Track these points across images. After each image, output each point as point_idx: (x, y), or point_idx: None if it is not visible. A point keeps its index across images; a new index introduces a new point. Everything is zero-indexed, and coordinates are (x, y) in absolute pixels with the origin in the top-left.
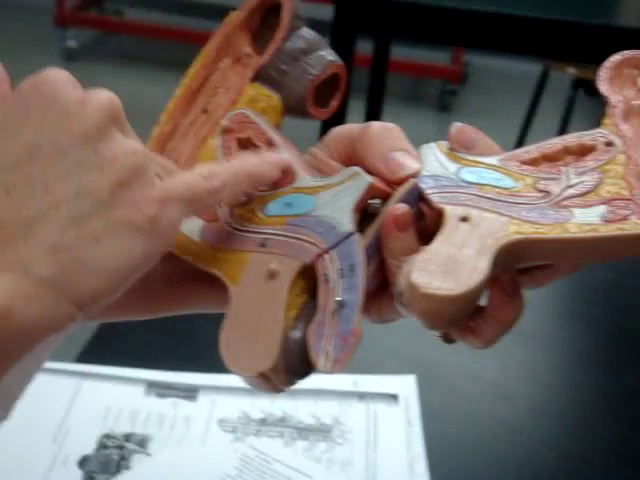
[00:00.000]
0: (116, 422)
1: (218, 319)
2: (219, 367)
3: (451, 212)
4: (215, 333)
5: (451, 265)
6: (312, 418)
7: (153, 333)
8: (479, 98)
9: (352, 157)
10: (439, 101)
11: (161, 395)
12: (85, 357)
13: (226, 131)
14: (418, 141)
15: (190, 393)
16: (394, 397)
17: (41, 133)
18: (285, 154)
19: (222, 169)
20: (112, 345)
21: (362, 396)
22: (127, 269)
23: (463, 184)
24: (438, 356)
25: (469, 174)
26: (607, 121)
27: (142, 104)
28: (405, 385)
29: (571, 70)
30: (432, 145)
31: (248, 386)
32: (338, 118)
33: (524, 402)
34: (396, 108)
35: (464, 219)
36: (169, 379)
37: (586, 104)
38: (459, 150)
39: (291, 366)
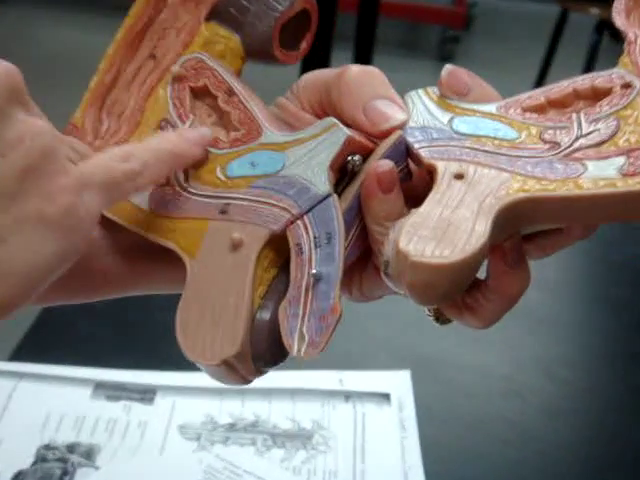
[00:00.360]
0: (57, 430)
1: (177, 306)
2: (180, 364)
3: (443, 169)
4: (174, 323)
5: (445, 229)
6: (289, 422)
7: (100, 325)
8: (486, 46)
9: (327, 108)
10: (439, 50)
11: (111, 398)
12: (20, 354)
13: (178, 79)
14: None
15: (146, 395)
16: (385, 396)
17: None
18: (251, 104)
19: (139, 149)
20: (52, 340)
21: (348, 396)
22: (40, 271)
23: (457, 136)
24: (436, 347)
25: (463, 124)
26: (625, 59)
27: (82, 55)
28: (398, 382)
29: (594, 10)
30: (419, 92)
31: (214, 386)
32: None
33: (538, 400)
34: (388, 59)
35: (459, 176)
36: (120, 379)
37: (612, 50)
38: (451, 97)
39: (260, 352)
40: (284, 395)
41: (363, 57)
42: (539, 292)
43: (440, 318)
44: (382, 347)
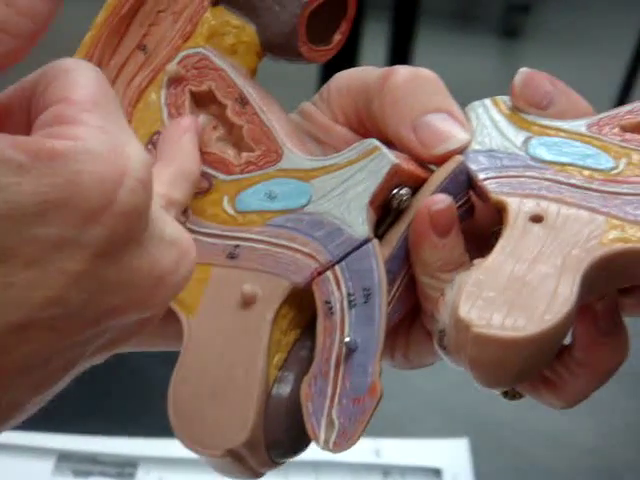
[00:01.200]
0: None
1: (167, 358)
2: (167, 429)
3: (517, 208)
4: (162, 377)
5: (519, 290)
6: None
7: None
8: (563, 18)
9: (365, 120)
10: (502, 23)
11: (79, 473)
12: None
13: (175, 80)
14: (470, 87)
15: (124, 469)
16: (436, 472)
17: None
18: (270, 118)
19: None
20: None
21: (387, 471)
22: None
23: (534, 164)
24: (501, 409)
25: (543, 148)
26: None
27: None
28: (452, 454)
29: None
30: (486, 102)
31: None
32: (347, 53)
33: (633, 479)
34: (437, 34)
35: (537, 218)
36: (91, 448)
37: None
38: (527, 110)
39: (276, 438)
40: (305, 469)
41: (403, 32)
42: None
43: (509, 392)
44: (431, 408)
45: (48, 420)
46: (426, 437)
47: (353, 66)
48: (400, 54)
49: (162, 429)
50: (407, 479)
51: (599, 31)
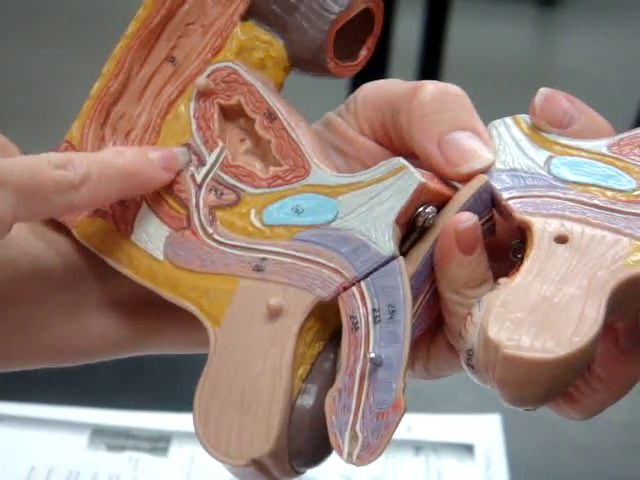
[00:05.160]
0: None
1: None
2: None
3: (542, 228)
4: (195, 356)
5: (546, 312)
6: None
7: None
8: None
9: (392, 133)
10: None
11: (113, 447)
12: None
13: (204, 94)
14: (506, 57)
15: (157, 444)
16: (468, 448)
17: None
18: (297, 133)
19: (82, 158)
20: (38, 374)
21: (419, 447)
22: None
23: (557, 184)
24: None
25: (565, 168)
26: None
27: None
28: (484, 430)
29: None
30: (507, 121)
31: None
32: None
33: None
34: (473, 2)
35: (561, 239)
36: (125, 423)
37: None
38: (548, 129)
39: (299, 448)
40: None
41: (439, 1)
42: None
43: None
44: (464, 384)
45: (83, 395)
46: (458, 413)
47: (388, 34)
48: (436, 24)
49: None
50: (439, 455)
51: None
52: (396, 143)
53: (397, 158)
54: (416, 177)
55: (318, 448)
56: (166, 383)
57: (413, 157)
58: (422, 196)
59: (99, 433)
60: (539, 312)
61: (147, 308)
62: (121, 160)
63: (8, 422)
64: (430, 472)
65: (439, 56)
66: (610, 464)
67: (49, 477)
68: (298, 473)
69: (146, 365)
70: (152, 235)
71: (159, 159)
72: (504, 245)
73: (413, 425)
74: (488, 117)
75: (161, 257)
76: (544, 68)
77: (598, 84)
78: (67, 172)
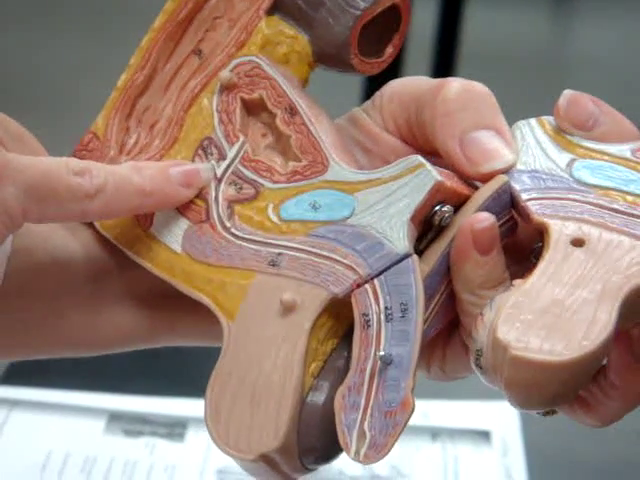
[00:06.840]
0: (61, 474)
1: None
2: None
3: (559, 230)
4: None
5: (558, 315)
6: (359, 467)
7: None
8: None
9: (416, 130)
10: None
11: (130, 433)
12: (13, 376)
13: (227, 87)
14: (521, 47)
15: (174, 430)
16: (485, 435)
17: None
18: (317, 129)
19: (101, 170)
20: (54, 359)
21: (436, 433)
22: None
23: (577, 187)
24: None
25: (587, 171)
26: None
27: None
28: (501, 416)
29: None
30: (532, 122)
31: None
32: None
33: None
34: None
35: (578, 242)
36: (142, 408)
37: None
38: (571, 131)
39: (309, 444)
40: None
41: None
42: None
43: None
44: None
45: (99, 380)
46: (475, 399)
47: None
48: (452, 12)
49: None
50: (455, 441)
51: None
52: (420, 140)
53: (415, 156)
54: (432, 175)
55: (328, 445)
56: (183, 369)
57: (436, 155)
58: (438, 194)
59: (116, 418)
60: (550, 314)
61: (164, 301)
62: (138, 178)
63: (25, 407)
64: (447, 459)
65: (455, 45)
66: (627, 451)
67: (66, 462)
68: (309, 470)
69: (163, 351)
70: (171, 228)
71: (181, 175)
72: (527, 248)
73: (430, 412)
74: (504, 106)
75: (179, 250)
76: (561, 56)
77: (616, 73)
78: (83, 180)
